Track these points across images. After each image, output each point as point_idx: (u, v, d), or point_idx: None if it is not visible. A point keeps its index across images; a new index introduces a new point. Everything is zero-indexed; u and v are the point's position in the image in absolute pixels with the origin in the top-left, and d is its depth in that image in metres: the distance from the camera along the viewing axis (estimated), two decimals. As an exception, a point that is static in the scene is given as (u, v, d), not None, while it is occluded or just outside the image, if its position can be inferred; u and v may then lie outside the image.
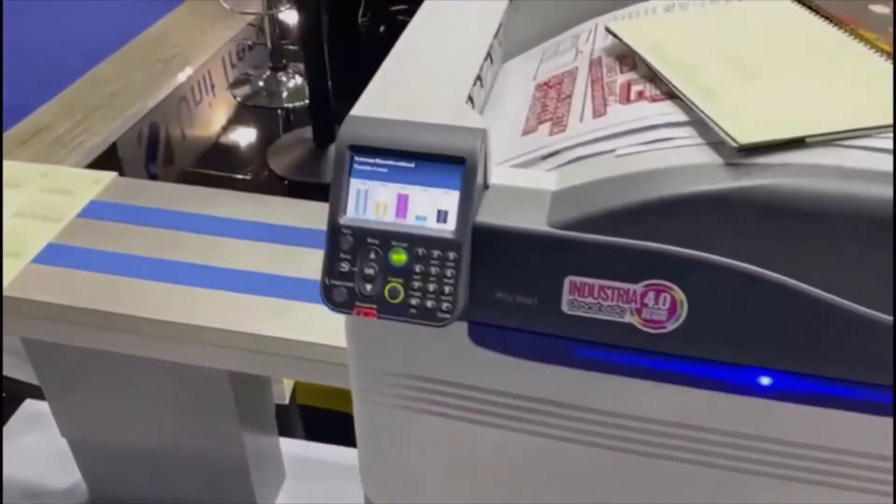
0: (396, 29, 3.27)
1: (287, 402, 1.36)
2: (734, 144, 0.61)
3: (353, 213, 0.67)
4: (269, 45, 2.83)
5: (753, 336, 0.63)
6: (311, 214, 1.19)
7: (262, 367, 1.05)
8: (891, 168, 0.59)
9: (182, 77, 2.99)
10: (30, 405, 1.61)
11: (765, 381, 0.65)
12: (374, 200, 0.67)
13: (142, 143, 2.68)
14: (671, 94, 0.72)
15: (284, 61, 2.90)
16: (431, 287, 0.65)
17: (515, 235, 0.65)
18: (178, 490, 1.30)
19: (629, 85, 0.77)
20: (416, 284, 0.65)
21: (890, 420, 0.64)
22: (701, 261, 0.61)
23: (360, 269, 0.66)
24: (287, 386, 1.35)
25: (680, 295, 0.63)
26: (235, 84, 2.93)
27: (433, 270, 0.65)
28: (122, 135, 2.63)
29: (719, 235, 0.61)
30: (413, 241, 0.65)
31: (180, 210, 1.19)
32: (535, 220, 0.65)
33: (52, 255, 1.10)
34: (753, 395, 0.66)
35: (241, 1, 2.99)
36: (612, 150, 0.69)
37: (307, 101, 2.83)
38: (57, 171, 1.25)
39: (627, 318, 0.65)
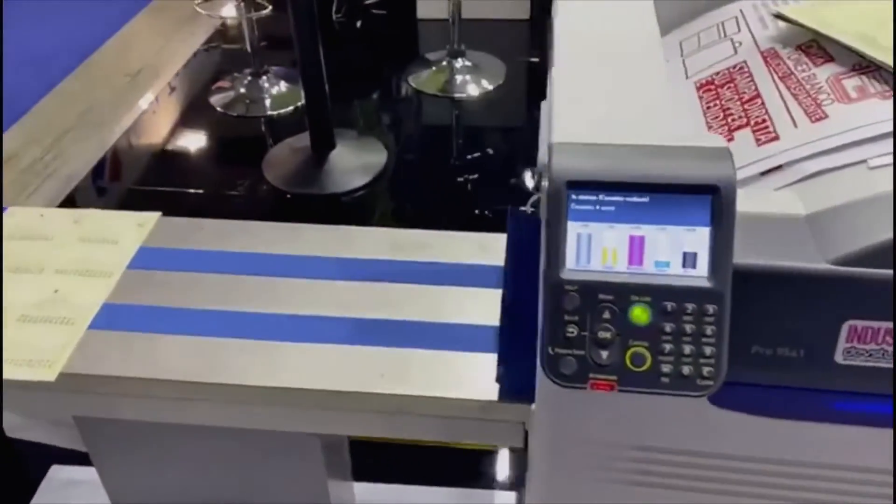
0: (372, 24, 3.11)
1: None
2: None
3: (575, 264, 0.54)
4: (249, 49, 2.66)
5: None
6: (389, 241, 1.06)
7: (369, 427, 0.92)
8: None
9: (154, 90, 2.79)
10: (57, 472, 1.45)
11: None
12: (600, 246, 0.55)
13: (123, 166, 2.49)
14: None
15: (266, 66, 2.73)
16: (687, 349, 0.53)
17: (787, 277, 0.53)
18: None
19: (839, 80, 0.66)
20: (667, 347, 0.53)
21: None
22: None
23: (592, 333, 0.54)
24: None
25: None
26: (214, 93, 2.75)
27: (687, 328, 0.53)
28: (100, 160, 2.44)
29: None
30: (658, 293, 0.53)
31: (238, 250, 1.05)
32: (808, 257, 0.53)
33: (110, 317, 0.94)
34: None
35: (212, 2, 2.80)
36: (862, 161, 0.58)
37: (293, 108, 2.68)
38: (91, 217, 1.09)
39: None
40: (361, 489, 1.37)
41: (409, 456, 1.45)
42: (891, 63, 0.62)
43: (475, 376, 0.83)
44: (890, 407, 0.56)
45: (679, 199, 0.53)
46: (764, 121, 0.66)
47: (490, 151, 2.52)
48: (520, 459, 1.25)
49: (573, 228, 0.54)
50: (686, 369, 0.53)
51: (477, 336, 0.90)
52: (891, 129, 0.58)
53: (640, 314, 0.53)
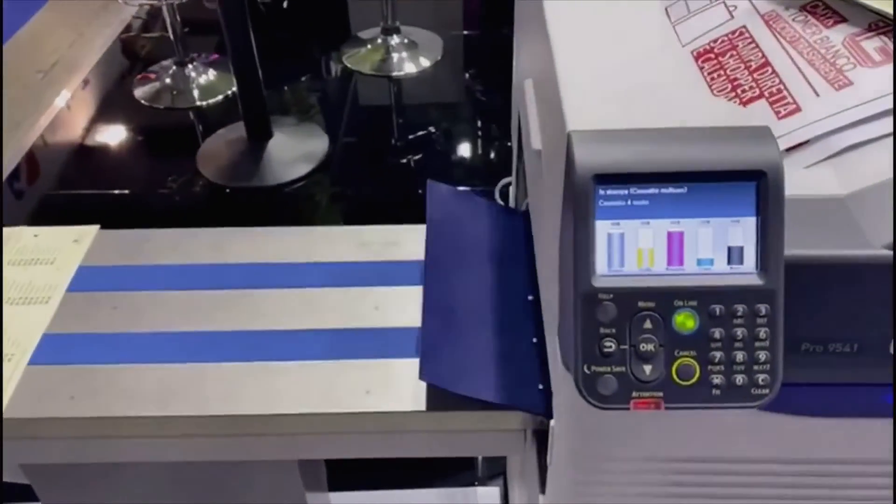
0: (300, 4, 2.95)
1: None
2: None
3: (607, 269, 0.48)
4: (172, 36, 2.50)
5: None
6: (354, 240, 0.98)
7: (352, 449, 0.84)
8: None
9: (71, 86, 2.61)
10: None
11: None
12: (634, 246, 0.48)
13: (42, 170, 2.33)
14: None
15: (191, 54, 2.58)
16: (739, 356, 0.47)
17: (841, 267, 0.48)
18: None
19: (856, 41, 0.61)
20: (716, 356, 0.47)
21: None
22: None
23: (633, 347, 0.47)
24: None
25: None
26: (137, 85, 2.59)
27: (738, 333, 0.47)
28: (16, 165, 2.27)
29: None
30: (704, 296, 0.47)
31: (190, 262, 0.95)
32: (860, 243, 0.48)
33: (53, 349, 0.84)
34: None
35: (127, -10, 2.63)
36: (900, 131, 0.53)
37: (223, 97, 2.55)
38: (18, 236, 0.97)
39: None
40: (338, 499, 1.30)
41: (384, 460, 1.37)
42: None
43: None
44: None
45: (720, 187, 0.47)
46: (780, 91, 0.60)
47: (432, 130, 2.44)
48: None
49: (603, 228, 0.47)
50: (739, 378, 0.47)
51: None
52: (930, 92, 0.53)
53: (685, 321, 0.47)
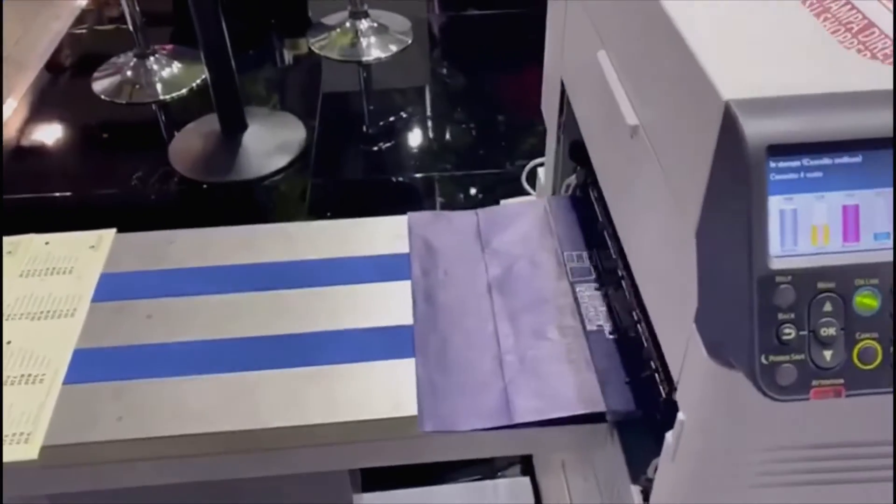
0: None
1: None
2: None
3: (780, 249, 0.44)
4: (131, 27, 2.38)
5: None
6: (395, 233, 0.93)
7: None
8: None
9: (23, 85, 2.48)
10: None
11: None
12: (808, 223, 0.44)
13: (3, 176, 2.19)
14: None
15: (152, 46, 2.46)
16: (925, 335, 0.44)
17: None
18: None
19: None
20: (902, 336, 0.44)
21: None
22: None
23: (812, 332, 0.44)
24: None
25: None
26: (96, 80, 2.46)
27: (923, 310, 0.44)
28: (-25, 167, 2.14)
29: None
30: (885, 272, 0.44)
31: (227, 263, 0.89)
32: None
33: (87, 366, 0.77)
34: None
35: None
36: None
37: (188, 90, 2.44)
38: (27, 245, 0.89)
39: None
40: (367, 500, 1.25)
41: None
42: None
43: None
44: None
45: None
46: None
47: (404, 115, 2.38)
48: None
49: (775, 205, 0.43)
50: (926, 360, 0.44)
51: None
52: None
53: (866, 301, 0.44)
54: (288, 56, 2.74)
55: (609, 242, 0.85)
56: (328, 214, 2.04)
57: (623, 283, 0.81)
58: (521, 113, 2.39)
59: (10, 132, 2.31)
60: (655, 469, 0.68)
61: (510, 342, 0.81)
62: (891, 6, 0.58)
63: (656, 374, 0.72)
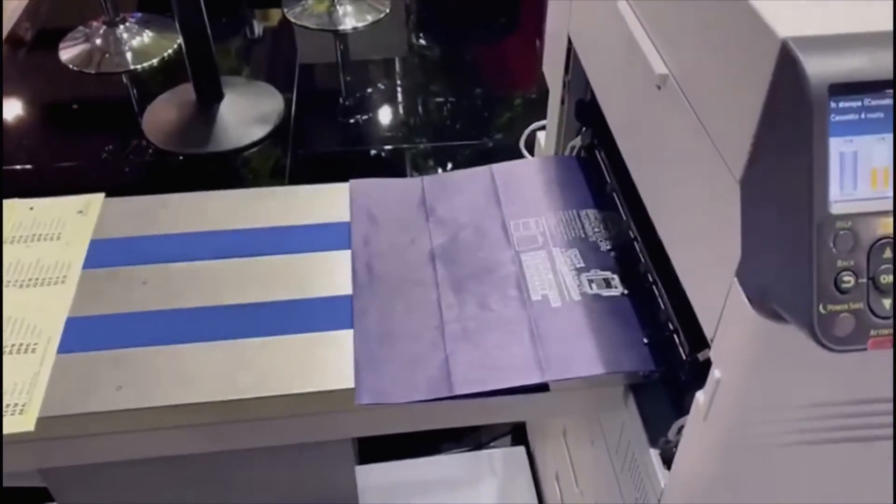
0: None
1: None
2: None
3: (839, 193, 0.42)
4: (99, -7, 2.30)
5: None
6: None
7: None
8: None
9: (-14, 53, 2.38)
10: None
11: None
12: (868, 166, 0.43)
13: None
14: None
15: (121, 14, 2.38)
16: None
17: None
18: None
19: None
20: (961, 282, 0.42)
21: None
22: None
23: (871, 280, 0.42)
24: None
25: None
26: (64, 50, 2.38)
27: None
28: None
29: None
30: (948, 217, 0.42)
31: (224, 228, 0.85)
32: None
33: (81, 335, 0.73)
34: None
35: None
36: None
37: (159, 59, 2.37)
38: (13, 210, 0.85)
39: None
40: (363, 472, 1.23)
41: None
42: None
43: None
44: None
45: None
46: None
47: (381, 86, 2.34)
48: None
49: (836, 147, 0.42)
50: None
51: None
52: None
53: (927, 247, 0.42)
54: (261, 25, 2.68)
55: (619, 204, 0.83)
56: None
57: (636, 245, 0.79)
58: (499, 84, 2.36)
59: (-27, 102, 2.22)
60: (678, 430, 0.67)
61: (453, 312, 0.78)
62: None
63: (675, 336, 0.70)
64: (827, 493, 0.61)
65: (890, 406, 0.54)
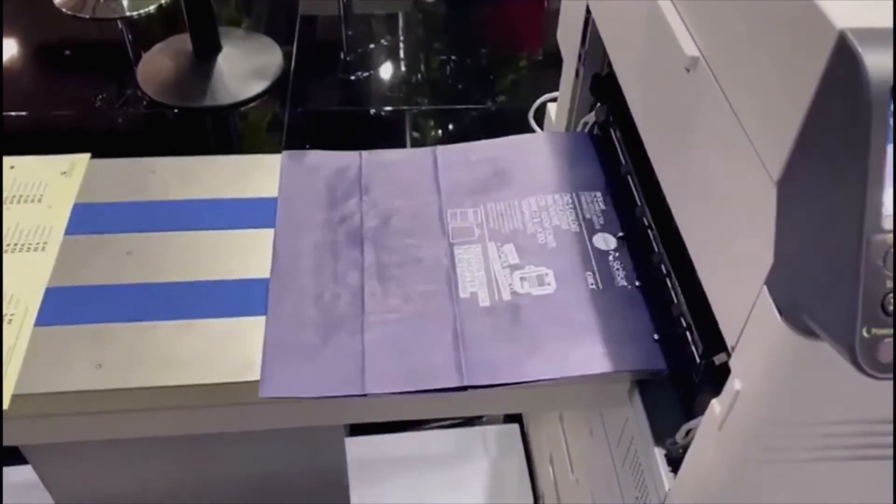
0: None
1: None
2: None
3: (893, 207, 0.38)
4: (95, -65, 2.21)
5: None
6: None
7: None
8: None
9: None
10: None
11: None
12: (925, 176, 0.38)
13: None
14: None
15: (118, -44, 2.30)
16: None
17: None
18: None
19: None
20: None
21: None
22: None
23: (918, 301, 0.38)
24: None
25: None
26: (58, -7, 2.30)
27: None
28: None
29: None
30: None
31: (216, 196, 0.81)
32: None
33: (60, 307, 0.69)
34: None
35: None
36: None
37: (157, 6, 2.29)
38: (-9, 168, 0.80)
39: None
40: (353, 444, 1.21)
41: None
42: None
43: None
44: None
45: None
46: None
47: (384, 43, 2.27)
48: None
49: (894, 154, 0.37)
50: None
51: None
52: None
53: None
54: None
55: (634, 188, 0.79)
56: (306, 146, 1.95)
57: (650, 234, 0.75)
58: (505, 45, 2.29)
59: (-38, 44, 2.15)
60: (686, 433, 0.64)
61: (375, 303, 0.73)
62: None
63: (688, 334, 0.67)
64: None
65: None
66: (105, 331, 0.68)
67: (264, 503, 0.94)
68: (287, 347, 0.69)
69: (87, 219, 0.77)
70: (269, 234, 0.78)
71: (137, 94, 2.00)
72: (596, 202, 0.82)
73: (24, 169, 0.81)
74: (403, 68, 2.20)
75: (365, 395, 0.66)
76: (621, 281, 0.75)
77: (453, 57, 2.23)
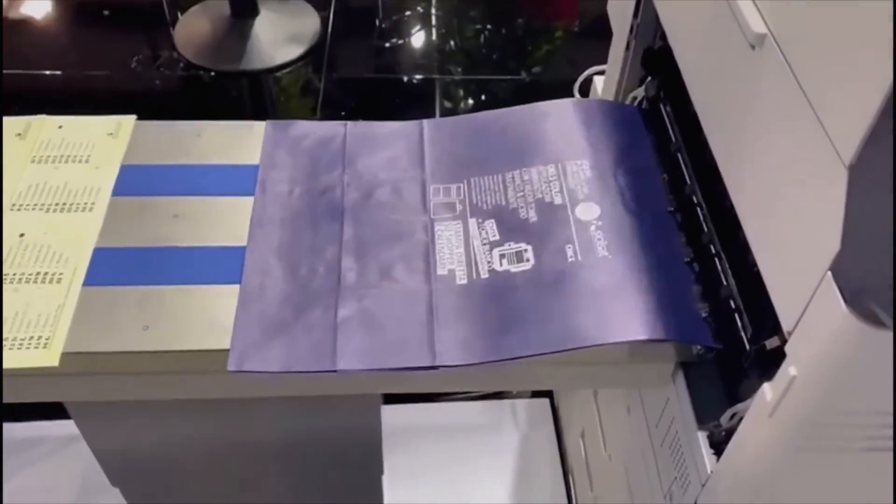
0: None
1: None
2: None
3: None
4: None
5: None
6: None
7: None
8: None
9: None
10: (10, 432, 1.20)
11: None
12: None
13: (-4, 44, 2.06)
14: None
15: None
16: None
17: None
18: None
19: None
20: None
21: None
22: None
23: None
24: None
25: None
26: (95, -49, 2.29)
27: None
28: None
29: None
30: None
31: (252, 162, 0.81)
32: None
33: (109, 267, 0.70)
34: None
35: None
36: None
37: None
38: (40, 126, 0.81)
39: None
40: (387, 412, 1.22)
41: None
42: None
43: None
44: None
45: None
46: None
47: (420, 9, 2.24)
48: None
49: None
50: None
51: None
52: None
53: None
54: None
55: (684, 166, 0.78)
56: (342, 113, 1.94)
57: (699, 212, 0.74)
58: (540, 14, 2.26)
59: None
60: (731, 417, 0.64)
61: (351, 278, 0.72)
62: None
63: (737, 317, 0.66)
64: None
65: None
66: (152, 293, 0.69)
67: (298, 468, 0.95)
68: (260, 321, 0.68)
69: (134, 180, 0.77)
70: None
71: (174, 56, 2.00)
72: (582, 171, 0.80)
73: (71, 129, 0.81)
74: (437, 36, 2.17)
75: (335, 371, 0.66)
76: (602, 251, 0.72)
77: (488, 26, 2.20)
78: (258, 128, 0.84)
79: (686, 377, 0.71)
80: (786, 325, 0.51)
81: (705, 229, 0.72)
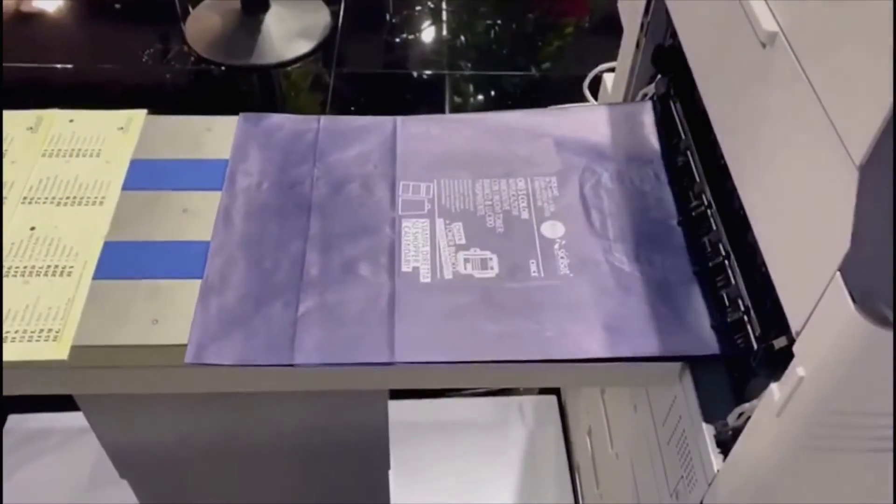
0: None
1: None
2: None
3: None
4: None
5: None
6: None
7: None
8: None
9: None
10: (18, 424, 1.21)
11: None
12: None
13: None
14: None
15: None
16: None
17: None
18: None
19: None
20: None
21: None
22: None
23: None
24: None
25: None
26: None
27: None
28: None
29: None
30: None
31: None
32: None
33: (119, 261, 0.70)
34: None
35: None
36: None
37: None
38: (52, 120, 0.81)
39: None
40: (394, 407, 1.22)
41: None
42: None
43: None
44: None
45: None
46: None
47: (431, 4, 2.24)
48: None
49: None
50: None
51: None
52: None
53: None
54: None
55: (693, 166, 0.77)
56: (351, 109, 1.94)
57: (708, 213, 0.74)
58: (551, 10, 2.25)
59: (14, -5, 2.17)
60: (738, 416, 0.63)
61: (314, 273, 0.72)
62: None
63: (745, 317, 0.66)
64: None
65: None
66: (161, 287, 0.69)
67: (305, 462, 0.95)
68: (219, 314, 0.68)
69: (144, 174, 0.78)
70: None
71: (184, 51, 2.01)
72: (550, 188, 0.80)
73: (82, 123, 0.82)
74: (447, 32, 2.17)
75: (293, 366, 0.66)
76: (564, 269, 0.73)
77: (498, 21, 2.20)
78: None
79: (693, 376, 0.70)
80: (794, 325, 0.51)
81: (714, 228, 0.72)
